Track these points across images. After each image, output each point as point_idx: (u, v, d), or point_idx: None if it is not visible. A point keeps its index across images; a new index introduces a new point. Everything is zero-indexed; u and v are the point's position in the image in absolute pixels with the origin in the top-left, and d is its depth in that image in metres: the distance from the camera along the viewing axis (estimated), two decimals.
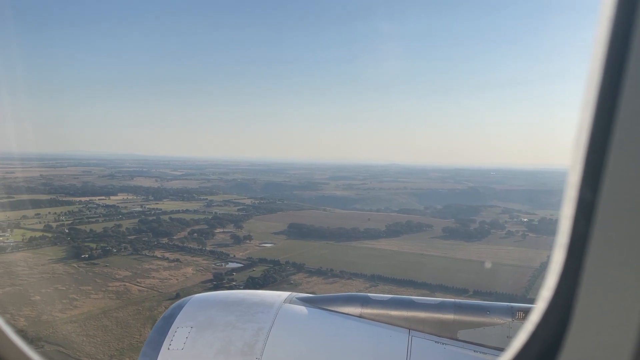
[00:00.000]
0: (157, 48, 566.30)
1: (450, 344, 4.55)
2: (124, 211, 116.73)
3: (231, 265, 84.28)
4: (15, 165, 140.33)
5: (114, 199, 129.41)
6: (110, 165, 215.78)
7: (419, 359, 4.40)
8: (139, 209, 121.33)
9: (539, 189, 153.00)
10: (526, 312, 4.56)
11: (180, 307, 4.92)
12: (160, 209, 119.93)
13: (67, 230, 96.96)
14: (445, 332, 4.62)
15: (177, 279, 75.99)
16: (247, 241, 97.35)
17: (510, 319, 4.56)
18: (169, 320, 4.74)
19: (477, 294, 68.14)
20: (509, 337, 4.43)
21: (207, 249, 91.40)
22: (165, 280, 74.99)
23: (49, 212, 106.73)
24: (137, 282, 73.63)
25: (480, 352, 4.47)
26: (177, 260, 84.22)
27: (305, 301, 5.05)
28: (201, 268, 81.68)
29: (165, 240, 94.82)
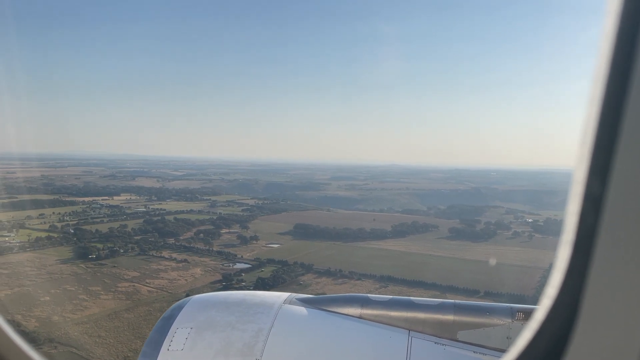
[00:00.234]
0: (156, 48, 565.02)
1: (450, 344, 4.57)
2: (128, 211, 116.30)
3: (239, 265, 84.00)
4: (16, 165, 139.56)
5: (117, 199, 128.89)
6: (110, 165, 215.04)
7: (419, 359, 4.43)
8: (143, 209, 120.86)
9: (540, 190, 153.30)
10: (526, 312, 4.58)
11: (180, 308, 4.94)
12: (165, 209, 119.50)
13: (72, 231, 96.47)
14: (445, 333, 4.63)
15: (185, 280, 75.69)
16: (254, 242, 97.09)
17: (510, 320, 4.58)
18: (169, 320, 4.76)
19: (487, 294, 68.15)
20: (509, 338, 4.46)
21: (214, 249, 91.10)
22: (174, 281, 74.70)
23: (53, 213, 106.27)
24: (146, 282, 73.31)
25: (480, 353, 4.48)
26: (185, 260, 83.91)
27: (305, 302, 5.06)
28: (209, 268, 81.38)
29: (171, 240, 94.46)
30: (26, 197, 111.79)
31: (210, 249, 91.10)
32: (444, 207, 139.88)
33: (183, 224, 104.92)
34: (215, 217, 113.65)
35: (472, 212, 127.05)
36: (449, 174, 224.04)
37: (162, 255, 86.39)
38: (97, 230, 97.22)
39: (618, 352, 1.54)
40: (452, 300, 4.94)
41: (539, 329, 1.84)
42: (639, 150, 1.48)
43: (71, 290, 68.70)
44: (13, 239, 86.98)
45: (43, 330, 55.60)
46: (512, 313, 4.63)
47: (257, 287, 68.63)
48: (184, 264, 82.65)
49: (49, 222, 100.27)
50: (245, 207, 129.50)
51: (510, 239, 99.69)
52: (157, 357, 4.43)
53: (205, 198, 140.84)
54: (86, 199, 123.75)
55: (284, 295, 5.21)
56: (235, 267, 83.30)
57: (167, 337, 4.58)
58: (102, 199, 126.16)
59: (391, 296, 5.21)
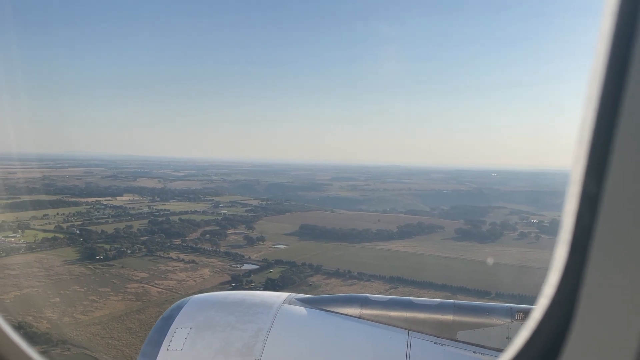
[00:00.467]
0: (156, 48, 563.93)
1: (449, 344, 4.59)
2: (132, 212, 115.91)
3: (247, 266, 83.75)
4: (16, 166, 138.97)
5: (120, 200, 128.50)
6: (111, 165, 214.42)
7: (419, 359, 4.44)
8: (146, 209, 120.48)
9: (542, 190, 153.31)
10: (525, 312, 4.61)
11: (179, 308, 4.95)
12: (169, 210, 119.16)
13: (78, 231, 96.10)
14: (445, 333, 4.65)
15: (195, 281, 75.39)
16: (260, 242, 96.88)
17: (509, 320, 4.59)
18: (168, 320, 4.77)
19: (498, 296, 68.08)
20: (508, 338, 4.46)
21: (221, 250, 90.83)
22: (183, 282, 74.40)
23: (57, 213, 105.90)
24: (156, 283, 73.02)
25: (479, 353, 4.50)
26: (193, 261, 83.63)
27: (304, 302, 5.07)
28: (218, 269, 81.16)
29: (178, 241, 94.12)
30: (29, 197, 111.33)
31: (218, 249, 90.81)
32: (447, 207, 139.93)
33: (188, 224, 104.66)
34: (220, 218, 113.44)
35: (476, 212, 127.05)
36: (450, 174, 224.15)
37: (170, 256, 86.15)
38: (102, 231, 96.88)
39: (614, 350, 1.54)
40: (452, 300, 4.95)
41: (536, 328, 1.85)
42: (635, 150, 1.48)
43: (80, 291, 68.36)
44: (19, 240, 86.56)
45: (55, 332, 55.21)
46: (511, 313, 4.65)
47: (267, 288, 68.49)
48: (192, 264, 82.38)
49: (53, 222, 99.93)
50: (249, 208, 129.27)
51: (517, 240, 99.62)
52: (156, 356, 4.43)
53: (208, 199, 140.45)
54: (89, 199, 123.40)
55: (284, 295, 5.22)
56: (243, 268, 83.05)
57: (166, 337, 4.58)
58: (105, 200, 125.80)
59: (390, 296, 5.21)
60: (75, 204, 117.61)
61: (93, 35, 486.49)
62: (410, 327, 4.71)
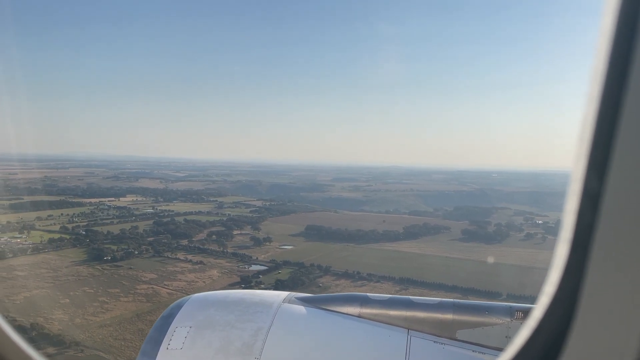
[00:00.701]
0: (156, 49, 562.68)
1: (449, 344, 4.59)
2: (137, 213, 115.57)
3: (255, 267, 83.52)
4: (17, 167, 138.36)
5: (123, 201, 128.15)
6: (112, 166, 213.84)
7: (418, 358, 4.44)
8: (150, 210, 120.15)
9: (544, 191, 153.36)
10: (525, 312, 4.60)
11: (179, 307, 4.94)
12: (173, 211, 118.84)
13: (84, 232, 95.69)
14: (444, 332, 4.65)
15: (204, 282, 75.07)
16: (267, 243, 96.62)
17: (509, 319, 4.59)
18: (168, 319, 4.76)
19: (510, 297, 67.91)
20: (508, 337, 4.47)
21: (228, 251, 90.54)
22: (192, 283, 74.06)
23: (62, 214, 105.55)
24: (165, 284, 72.70)
25: (479, 352, 4.50)
26: (201, 262, 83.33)
27: (304, 301, 5.07)
28: (226, 270, 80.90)
29: (184, 242, 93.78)
30: (31, 198, 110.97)
31: (225, 250, 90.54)
32: (451, 208, 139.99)
33: (194, 225, 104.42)
34: (225, 219, 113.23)
35: (480, 213, 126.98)
36: (451, 175, 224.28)
37: (177, 257, 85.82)
38: (108, 231, 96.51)
39: (615, 349, 1.54)
40: (451, 300, 4.94)
41: (536, 326, 1.84)
42: (636, 149, 1.49)
43: (90, 292, 67.96)
44: (25, 241, 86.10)
45: (67, 334, 54.84)
46: (511, 312, 4.64)
47: (276, 289, 68.06)
48: (200, 265, 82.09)
49: (58, 223, 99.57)
50: (253, 209, 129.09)
51: (523, 241, 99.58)
52: (156, 355, 4.42)
53: (211, 199, 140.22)
54: (92, 200, 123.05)
55: (283, 294, 5.22)
56: (251, 269, 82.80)
57: (166, 335, 4.56)
58: (108, 200, 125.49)
59: (390, 295, 5.17)
60: (79, 204, 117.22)
61: (94, 36, 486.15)
62: (410, 326, 4.71)
